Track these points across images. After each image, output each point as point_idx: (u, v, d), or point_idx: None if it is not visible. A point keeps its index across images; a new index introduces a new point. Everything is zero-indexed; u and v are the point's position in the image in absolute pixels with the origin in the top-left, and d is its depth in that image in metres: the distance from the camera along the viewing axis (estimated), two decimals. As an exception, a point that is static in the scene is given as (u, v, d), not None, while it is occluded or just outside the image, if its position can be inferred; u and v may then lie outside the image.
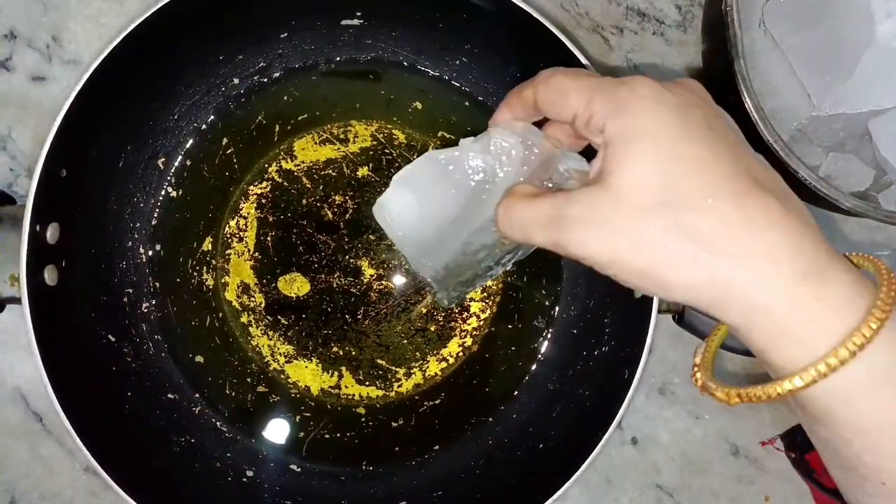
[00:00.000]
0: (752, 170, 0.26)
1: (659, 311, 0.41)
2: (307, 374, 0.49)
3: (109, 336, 0.46)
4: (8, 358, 0.50)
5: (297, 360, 0.49)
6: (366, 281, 0.49)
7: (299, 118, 0.50)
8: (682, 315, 0.42)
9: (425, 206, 0.37)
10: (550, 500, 0.41)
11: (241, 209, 0.50)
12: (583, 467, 0.41)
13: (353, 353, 0.49)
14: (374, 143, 0.50)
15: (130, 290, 0.48)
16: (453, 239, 0.38)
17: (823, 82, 0.46)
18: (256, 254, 0.49)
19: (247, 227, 0.50)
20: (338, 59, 0.50)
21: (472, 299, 0.50)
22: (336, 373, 0.49)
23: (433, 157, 0.37)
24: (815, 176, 0.42)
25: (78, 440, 0.41)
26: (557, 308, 0.50)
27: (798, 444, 0.50)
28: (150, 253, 0.49)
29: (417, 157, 0.39)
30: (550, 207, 0.28)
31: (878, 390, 0.25)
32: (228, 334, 0.49)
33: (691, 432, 0.52)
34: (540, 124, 0.33)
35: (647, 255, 0.26)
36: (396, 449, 0.49)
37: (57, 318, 0.42)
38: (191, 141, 0.49)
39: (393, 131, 0.50)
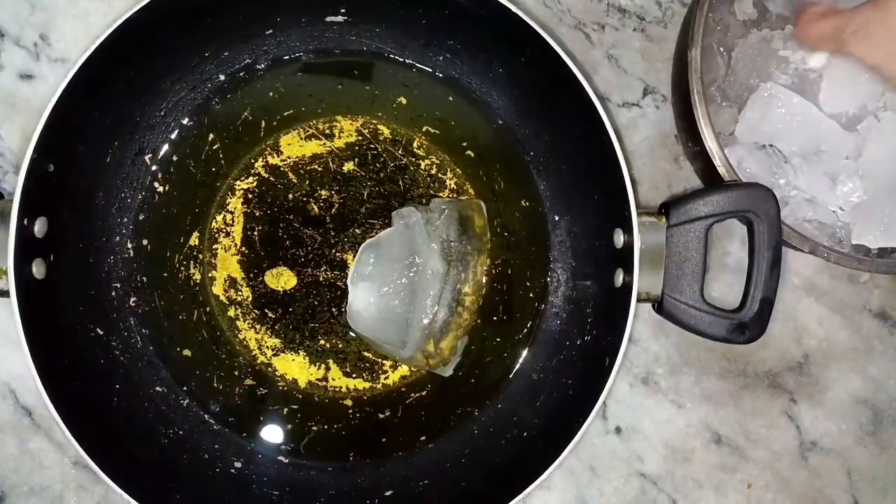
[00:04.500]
0: None
1: (638, 300, 0.42)
2: (294, 367, 0.50)
3: (98, 330, 0.47)
4: (-3, 353, 0.50)
5: (284, 353, 0.50)
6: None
7: (285, 114, 0.50)
8: (661, 304, 0.43)
9: (380, 285, 0.46)
10: (533, 486, 0.41)
11: (228, 204, 0.50)
12: (564, 453, 0.41)
13: (340, 345, 0.50)
14: (360, 138, 0.51)
15: (118, 285, 0.48)
16: (414, 300, 0.46)
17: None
18: (243, 248, 0.50)
19: (233, 221, 0.50)
20: (323, 55, 0.50)
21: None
22: (323, 365, 0.50)
23: (370, 244, 0.47)
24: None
25: (67, 432, 0.41)
26: (542, 299, 0.51)
27: None
28: (138, 248, 0.49)
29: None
30: (833, 28, 0.39)
31: None
32: (216, 328, 0.50)
33: (674, 421, 0.53)
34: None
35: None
36: (383, 440, 0.50)
37: (45, 311, 0.43)
38: (177, 137, 0.50)
39: (378, 126, 0.51)
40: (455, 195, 0.51)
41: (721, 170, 0.45)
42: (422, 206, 0.49)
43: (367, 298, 0.47)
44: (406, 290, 0.46)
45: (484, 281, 0.49)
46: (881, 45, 0.37)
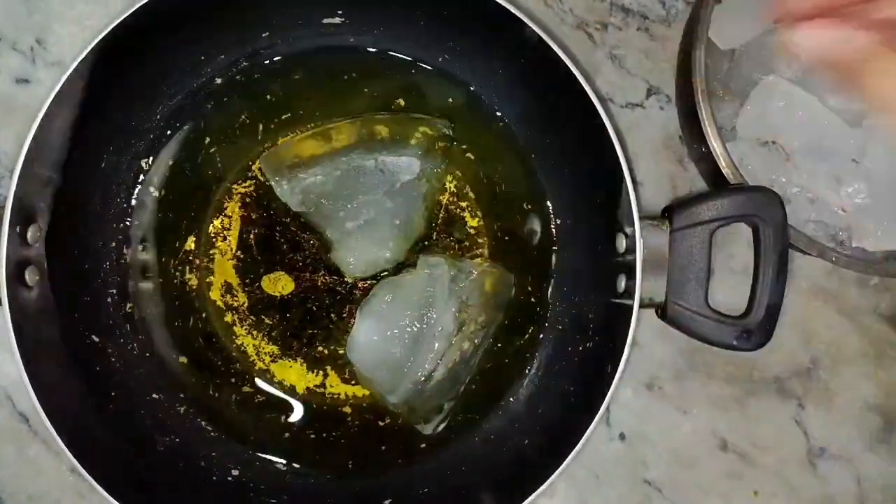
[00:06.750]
0: None
1: (641, 306, 0.41)
2: (292, 374, 0.49)
3: (93, 337, 0.46)
4: (-7, 360, 0.50)
5: (282, 359, 0.49)
6: (350, 279, 0.49)
7: (282, 116, 0.50)
8: (664, 310, 0.42)
9: (387, 326, 0.46)
10: (536, 493, 0.41)
11: (225, 208, 0.50)
12: (567, 460, 0.40)
13: (339, 351, 0.49)
14: (358, 139, 0.50)
15: (113, 291, 0.48)
16: (417, 349, 0.46)
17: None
18: (240, 253, 0.49)
19: (230, 226, 0.49)
20: (320, 56, 0.50)
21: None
22: (321, 372, 0.49)
23: (391, 283, 0.47)
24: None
25: (60, 442, 0.41)
26: (543, 306, 0.50)
27: None
28: (133, 254, 0.49)
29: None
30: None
31: None
32: (212, 334, 0.49)
33: (679, 427, 0.52)
34: None
35: None
36: (382, 448, 0.49)
37: (38, 319, 0.42)
38: (173, 141, 0.49)
39: (376, 128, 0.50)
40: (455, 198, 0.50)
41: (726, 171, 0.44)
42: (449, 258, 0.48)
43: (370, 335, 0.46)
44: (411, 339, 0.46)
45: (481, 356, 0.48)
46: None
